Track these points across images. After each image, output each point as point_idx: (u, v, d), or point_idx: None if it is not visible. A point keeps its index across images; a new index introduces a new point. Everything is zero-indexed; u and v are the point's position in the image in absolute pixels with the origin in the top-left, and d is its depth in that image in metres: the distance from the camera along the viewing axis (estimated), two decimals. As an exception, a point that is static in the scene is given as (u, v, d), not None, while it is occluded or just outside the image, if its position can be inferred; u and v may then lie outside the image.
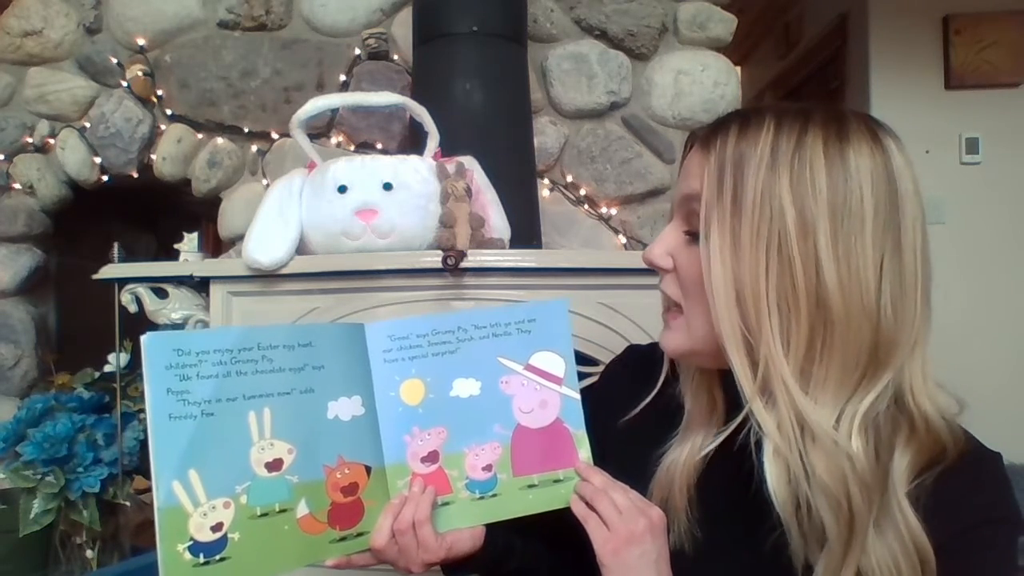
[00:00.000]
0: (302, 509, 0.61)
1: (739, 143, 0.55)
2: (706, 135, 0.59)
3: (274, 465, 0.60)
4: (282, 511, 0.60)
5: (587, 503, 0.64)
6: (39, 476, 1.46)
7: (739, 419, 0.57)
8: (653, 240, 0.63)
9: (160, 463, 0.56)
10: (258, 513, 0.59)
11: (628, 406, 0.71)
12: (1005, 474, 0.58)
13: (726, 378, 0.64)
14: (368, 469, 0.64)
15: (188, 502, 0.56)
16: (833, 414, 0.54)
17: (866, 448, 0.53)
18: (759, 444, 0.57)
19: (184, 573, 0.55)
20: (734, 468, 0.60)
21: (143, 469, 1.61)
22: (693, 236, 0.59)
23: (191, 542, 0.56)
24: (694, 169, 0.59)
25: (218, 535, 0.57)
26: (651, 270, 0.67)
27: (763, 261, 0.53)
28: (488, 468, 0.67)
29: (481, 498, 0.67)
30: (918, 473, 0.55)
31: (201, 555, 0.56)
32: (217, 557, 0.56)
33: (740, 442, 0.58)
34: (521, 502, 0.67)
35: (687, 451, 0.64)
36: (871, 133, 0.56)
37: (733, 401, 0.62)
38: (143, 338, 0.57)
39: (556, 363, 0.70)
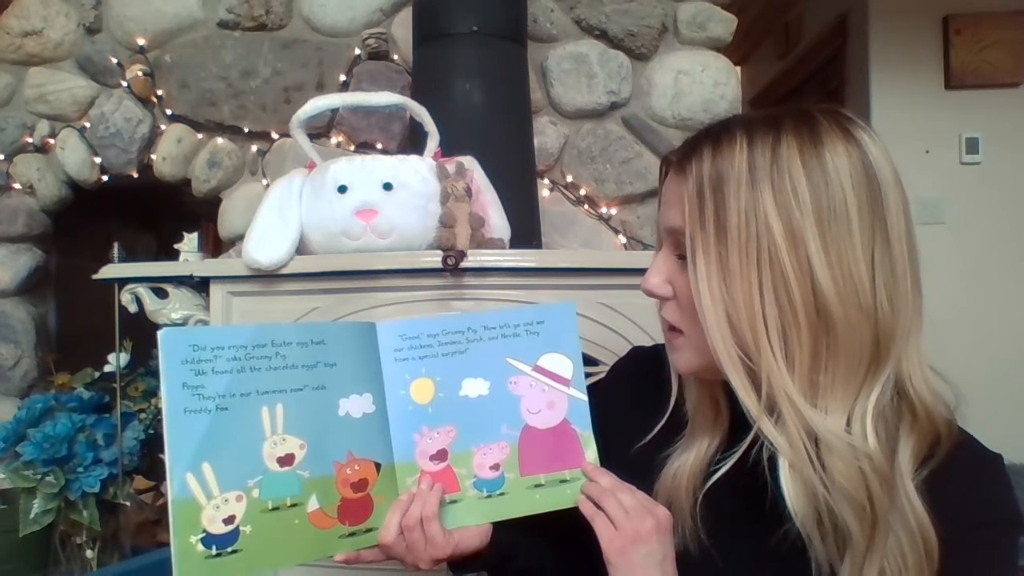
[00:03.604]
0: (312, 504, 0.62)
1: (715, 164, 0.55)
2: (679, 160, 0.59)
3: (286, 460, 0.61)
4: (293, 505, 0.61)
5: (594, 503, 0.64)
6: (39, 476, 1.46)
7: (750, 437, 0.57)
8: (648, 271, 0.63)
9: (174, 456, 0.57)
10: (269, 507, 0.60)
11: (633, 408, 0.72)
12: (1007, 475, 0.58)
13: (729, 385, 0.64)
14: (378, 466, 0.66)
15: (201, 494, 0.57)
16: (843, 417, 0.54)
17: (879, 443, 0.54)
18: (771, 458, 0.57)
19: (196, 564, 0.56)
20: (744, 477, 0.60)
21: (143, 469, 1.61)
22: (685, 261, 0.58)
23: (204, 534, 0.57)
24: (673, 198, 0.59)
25: (230, 528, 0.58)
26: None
27: (755, 280, 0.53)
28: (496, 467, 0.68)
29: (488, 497, 0.68)
30: (921, 462, 0.55)
31: (213, 547, 0.57)
32: (229, 549, 0.57)
33: (752, 454, 0.58)
34: (528, 501, 0.68)
35: (693, 456, 0.64)
36: (842, 130, 0.55)
37: (738, 407, 0.62)
38: (160, 333, 0.58)
39: (564, 365, 0.71)
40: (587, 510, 0.64)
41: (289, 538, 0.60)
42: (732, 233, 0.54)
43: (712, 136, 0.57)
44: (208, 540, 0.57)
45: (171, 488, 0.56)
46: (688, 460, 0.64)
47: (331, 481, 0.63)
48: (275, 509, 0.60)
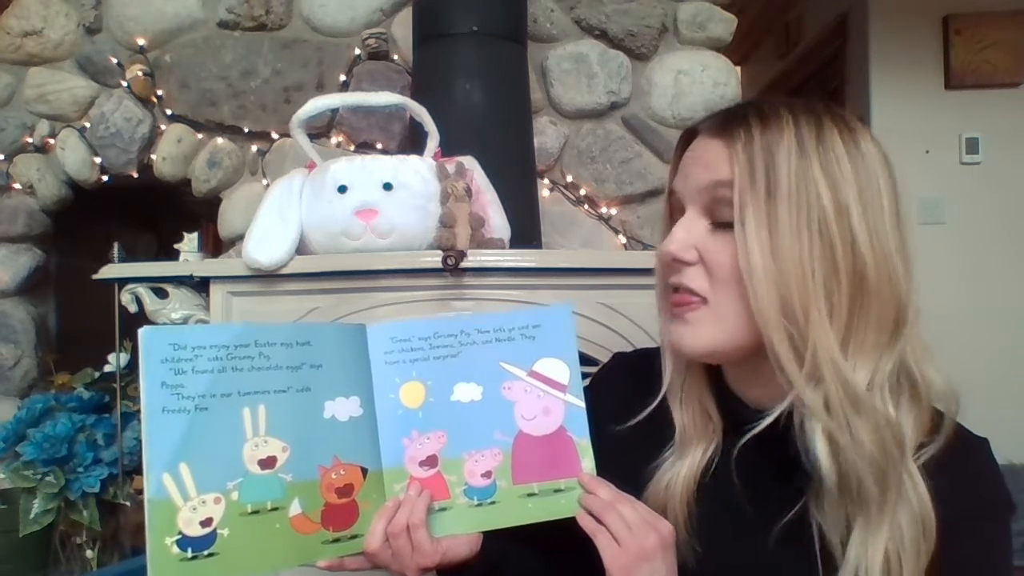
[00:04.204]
0: (295, 508, 0.60)
1: (764, 133, 0.56)
2: (723, 125, 0.59)
3: (267, 463, 0.60)
4: (274, 509, 0.59)
5: (594, 516, 0.62)
6: (39, 476, 1.46)
7: (784, 405, 0.56)
8: (669, 235, 0.60)
9: (152, 456, 0.56)
10: (249, 510, 0.58)
11: (619, 416, 0.70)
12: (995, 459, 0.60)
13: (719, 389, 0.64)
14: (364, 471, 0.64)
15: (178, 496, 0.56)
16: (867, 380, 0.55)
17: (895, 409, 0.56)
18: (770, 443, 0.58)
19: (171, 567, 0.55)
20: (734, 477, 0.61)
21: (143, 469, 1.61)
22: (720, 225, 0.58)
23: (179, 536, 0.56)
24: (714, 158, 0.58)
25: (207, 530, 0.57)
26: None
27: (806, 243, 0.54)
28: (487, 475, 0.66)
29: (479, 505, 0.66)
30: (919, 446, 0.57)
31: (189, 549, 0.56)
32: (205, 552, 0.56)
33: (739, 450, 0.59)
34: (520, 510, 0.66)
35: (686, 468, 0.63)
36: (864, 126, 0.59)
37: (730, 413, 0.63)
38: (140, 331, 0.57)
39: (560, 370, 0.69)
40: (588, 525, 0.62)
41: (269, 542, 0.59)
42: (782, 197, 0.54)
43: (755, 108, 0.58)
44: (184, 542, 0.56)
45: (147, 489, 0.55)
46: (681, 472, 0.63)
47: (315, 485, 0.62)
48: (255, 512, 0.58)
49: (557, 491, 0.66)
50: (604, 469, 0.68)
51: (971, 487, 0.58)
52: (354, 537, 0.63)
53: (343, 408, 0.64)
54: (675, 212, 0.63)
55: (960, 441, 0.59)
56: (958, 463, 0.58)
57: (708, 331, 0.59)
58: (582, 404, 0.68)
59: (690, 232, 0.59)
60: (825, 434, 0.55)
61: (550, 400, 0.68)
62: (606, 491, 0.63)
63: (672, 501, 0.62)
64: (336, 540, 0.62)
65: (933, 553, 0.55)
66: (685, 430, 0.64)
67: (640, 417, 0.68)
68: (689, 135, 0.63)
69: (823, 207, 0.54)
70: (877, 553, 0.54)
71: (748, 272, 0.55)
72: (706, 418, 0.64)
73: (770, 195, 0.55)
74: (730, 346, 0.58)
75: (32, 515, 1.45)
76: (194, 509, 0.56)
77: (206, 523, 0.57)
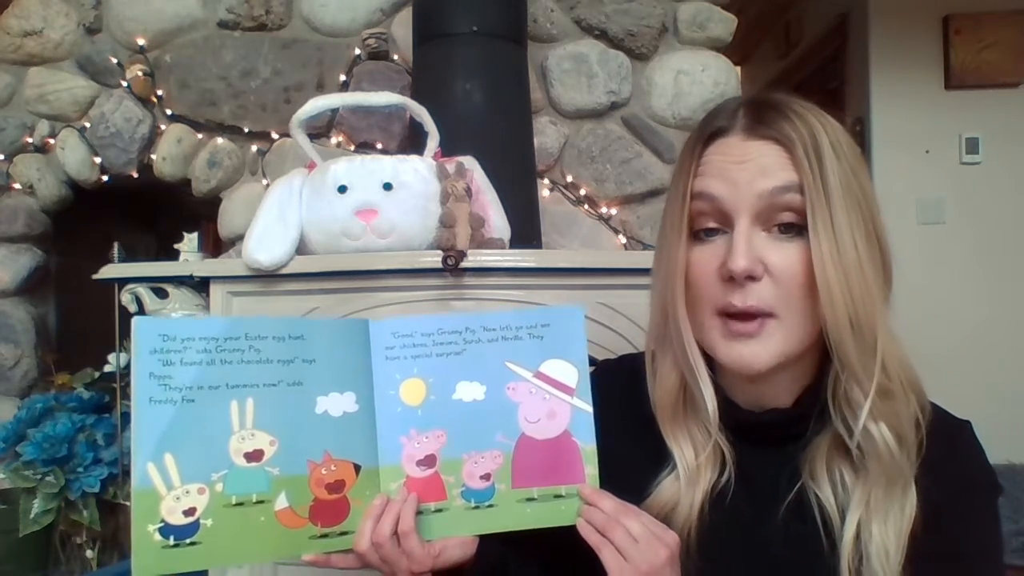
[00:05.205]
0: (281, 502, 0.60)
1: (809, 134, 0.56)
2: (765, 125, 0.57)
3: (253, 456, 0.60)
4: (259, 502, 0.60)
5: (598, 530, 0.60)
6: (39, 476, 1.46)
7: (864, 411, 0.57)
8: (734, 251, 0.56)
9: (138, 445, 0.57)
10: (233, 502, 0.59)
11: (608, 425, 0.68)
12: (978, 441, 0.62)
13: (727, 409, 0.63)
14: (357, 468, 0.63)
15: (162, 485, 0.57)
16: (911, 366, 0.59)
17: None
18: (772, 440, 0.60)
19: (153, 554, 0.56)
20: (737, 482, 0.61)
21: (143, 469, 1.61)
22: (777, 233, 0.57)
23: (162, 524, 0.56)
24: (772, 162, 0.56)
25: (190, 520, 0.57)
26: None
27: (861, 244, 0.55)
28: (486, 477, 0.65)
29: (476, 508, 0.64)
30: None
31: (171, 537, 0.57)
32: (188, 541, 0.57)
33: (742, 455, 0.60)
34: (518, 515, 0.64)
35: (699, 494, 0.61)
36: None
37: (730, 421, 0.63)
38: (133, 320, 0.58)
39: (568, 372, 0.66)
40: (592, 539, 0.60)
41: (253, 535, 0.59)
42: (835, 198, 0.55)
43: (788, 108, 0.58)
44: (166, 530, 0.56)
45: (133, 478, 0.56)
46: (695, 497, 0.61)
47: (303, 480, 0.61)
48: (239, 504, 0.59)
49: (557, 497, 0.64)
50: (602, 478, 0.66)
51: (958, 470, 0.59)
52: (344, 534, 0.63)
53: (336, 404, 0.63)
54: (698, 216, 0.59)
55: (943, 424, 0.60)
56: (941, 444, 0.58)
57: (779, 343, 0.57)
58: (590, 409, 0.66)
59: (752, 244, 0.56)
60: (890, 426, 0.56)
61: (556, 403, 0.66)
62: (609, 503, 0.61)
63: (680, 519, 0.61)
64: (324, 536, 0.62)
65: (920, 535, 0.56)
66: (688, 464, 0.62)
67: (643, 447, 0.67)
68: (712, 135, 0.60)
69: (860, 206, 0.55)
70: (879, 526, 0.55)
71: (823, 280, 0.54)
72: (716, 450, 0.62)
73: (828, 199, 0.54)
74: (791, 355, 0.57)
75: (32, 515, 1.45)
76: (177, 499, 0.57)
77: (189, 512, 0.57)
